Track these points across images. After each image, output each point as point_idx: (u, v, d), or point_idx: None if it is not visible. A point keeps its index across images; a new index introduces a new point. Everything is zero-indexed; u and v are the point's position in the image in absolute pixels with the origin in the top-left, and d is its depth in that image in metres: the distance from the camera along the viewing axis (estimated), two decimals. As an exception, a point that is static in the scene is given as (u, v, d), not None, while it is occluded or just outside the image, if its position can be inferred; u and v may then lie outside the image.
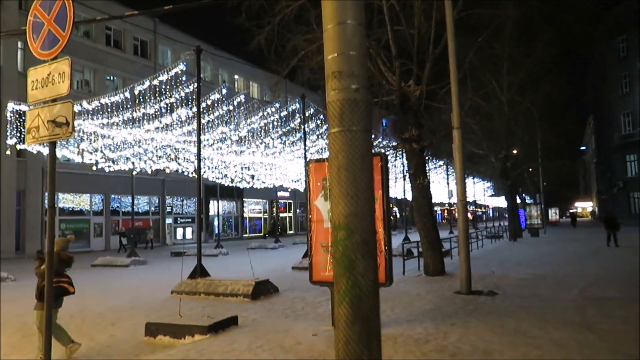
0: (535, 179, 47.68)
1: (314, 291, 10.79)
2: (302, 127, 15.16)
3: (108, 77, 32.78)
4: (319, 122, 17.81)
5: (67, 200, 30.22)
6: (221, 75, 39.95)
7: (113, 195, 32.74)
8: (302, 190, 30.39)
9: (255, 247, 28.64)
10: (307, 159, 8.03)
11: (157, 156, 17.66)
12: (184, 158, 18.58)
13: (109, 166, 16.93)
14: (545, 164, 38.44)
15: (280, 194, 35.91)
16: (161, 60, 36.68)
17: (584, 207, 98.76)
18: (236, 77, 43.13)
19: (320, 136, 19.00)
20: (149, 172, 19.93)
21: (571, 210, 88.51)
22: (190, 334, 6.69)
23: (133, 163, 17.27)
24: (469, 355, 5.23)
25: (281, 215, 49.71)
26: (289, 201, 50.49)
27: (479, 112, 23.77)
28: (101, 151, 15.83)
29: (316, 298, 9.81)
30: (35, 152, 15.59)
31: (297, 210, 52.90)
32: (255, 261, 19.74)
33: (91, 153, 15.82)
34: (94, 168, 18.02)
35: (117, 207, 33.20)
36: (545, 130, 34.02)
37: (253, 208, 47.11)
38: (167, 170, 19.38)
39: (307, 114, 16.04)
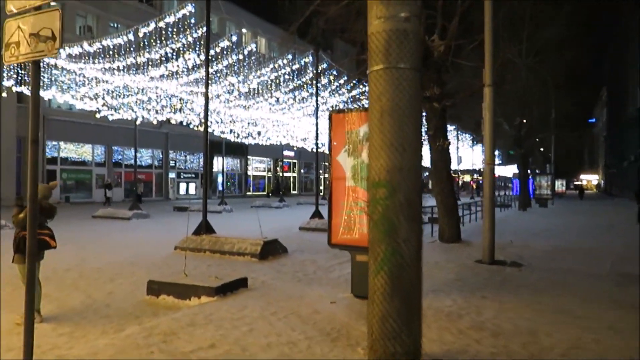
0: (542, 149, 46.75)
1: (324, 254, 10.23)
2: (315, 82, 14.22)
3: (112, 24, 31.47)
4: (331, 77, 16.84)
5: (69, 150, 29.55)
6: (229, 28, 38.48)
7: (115, 147, 32.05)
8: (309, 149, 29.69)
9: (260, 206, 28.13)
10: (331, 110, 7.17)
11: (161, 106, 16.77)
12: (190, 109, 17.68)
13: (111, 114, 16.07)
14: (561, 133, 37.48)
15: (285, 153, 35.16)
16: (167, 9, 35.23)
17: (589, 179, 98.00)
18: (244, 30, 41.62)
19: (332, 93, 18.03)
20: (153, 122, 19.10)
21: (576, 183, 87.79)
22: (197, 295, 6.10)
23: (136, 112, 16.41)
24: (513, 335, 4.61)
25: (285, 174, 49.11)
26: (294, 161, 49.80)
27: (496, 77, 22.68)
28: (102, 98, 14.95)
29: (328, 261, 9.23)
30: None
31: (302, 170, 52.29)
32: (261, 220, 19.21)
33: (92, 99, 14.95)
34: (97, 116, 17.21)
35: (120, 159, 32.58)
36: (560, 100, 32.92)
37: (257, 166, 46.48)
38: (173, 121, 18.51)
39: (319, 69, 15.11)
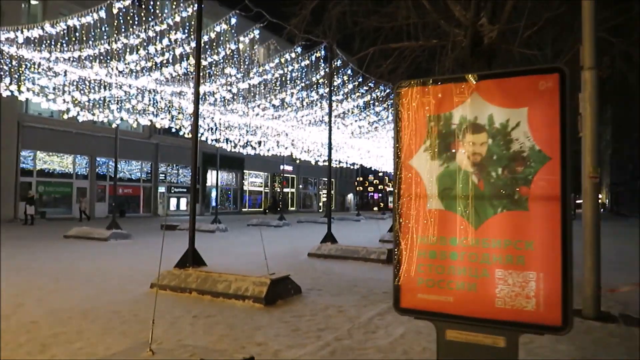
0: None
1: (349, 295, 7.72)
2: (329, 77, 11.76)
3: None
4: (345, 78, 14.45)
5: (46, 161, 26.92)
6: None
7: (100, 158, 29.46)
8: (313, 161, 27.22)
9: (257, 224, 25.54)
10: (397, 84, 4.21)
11: (143, 103, 14.23)
12: (179, 109, 15.11)
13: (78, 114, 13.41)
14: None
15: (283, 167, 32.75)
16: None
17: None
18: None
19: (347, 96, 15.55)
20: (133, 125, 16.57)
21: (578, 201, 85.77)
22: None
23: (112, 111, 13.80)
24: None
25: (283, 190, 46.66)
26: (292, 175, 47.36)
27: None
28: (69, 93, 12.41)
29: (359, 309, 6.70)
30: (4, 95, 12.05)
31: (300, 186, 49.83)
32: (258, 242, 16.54)
33: (57, 95, 12.38)
34: (65, 117, 14.67)
35: (105, 172, 29.97)
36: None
37: (253, 181, 44.01)
38: (158, 125, 15.93)
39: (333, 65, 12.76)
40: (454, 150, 3.58)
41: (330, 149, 12.73)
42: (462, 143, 3.56)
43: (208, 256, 8.57)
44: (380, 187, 71.16)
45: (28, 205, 21.95)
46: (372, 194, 69.64)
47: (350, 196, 59.77)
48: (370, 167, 36.60)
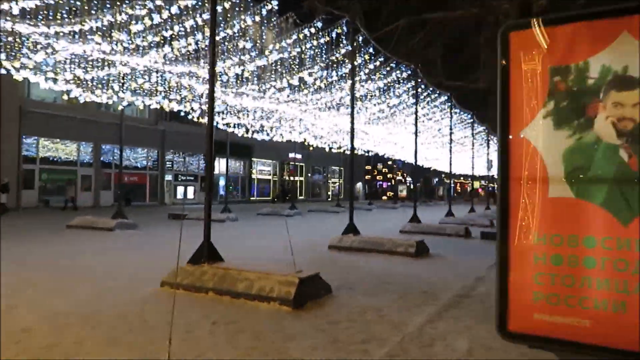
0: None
1: (385, 294, 6.82)
2: (352, 55, 10.72)
3: None
4: (366, 57, 13.35)
5: (50, 148, 26.07)
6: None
7: (105, 145, 28.59)
8: (327, 148, 26.29)
9: (267, 213, 24.68)
10: (504, 26, 3.00)
11: (150, 82, 13.22)
12: (189, 88, 14.08)
13: (81, 94, 12.43)
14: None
15: (295, 155, 31.79)
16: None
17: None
18: None
19: (370, 76, 14.42)
20: (140, 107, 15.62)
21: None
22: None
23: (116, 92, 12.79)
24: None
25: (292, 178, 45.84)
26: (301, 164, 46.40)
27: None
28: (70, 71, 11.44)
29: (401, 311, 5.79)
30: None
31: (309, 174, 48.91)
32: (272, 232, 15.75)
33: (58, 73, 11.44)
34: (65, 97, 13.71)
35: (110, 160, 29.11)
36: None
37: (262, 169, 43.12)
38: (166, 107, 14.92)
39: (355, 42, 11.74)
40: (590, 115, 2.58)
41: (352, 133, 11.75)
42: (603, 105, 2.56)
43: (220, 248, 7.65)
44: (389, 175, 70.09)
45: (1, 193, 19.66)
46: (380, 182, 68.61)
47: (359, 185, 58.79)
48: (384, 155, 35.54)
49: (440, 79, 12.56)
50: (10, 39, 10.41)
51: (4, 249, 10.56)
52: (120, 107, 14.10)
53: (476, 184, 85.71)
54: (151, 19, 9.67)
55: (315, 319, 5.57)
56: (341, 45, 12.32)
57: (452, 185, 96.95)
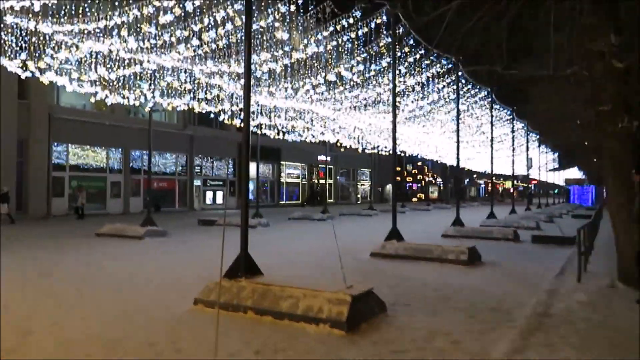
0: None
1: (447, 312, 5.96)
2: (392, 48, 9.82)
3: None
4: (407, 50, 12.36)
5: (79, 155, 25.92)
6: None
7: (134, 152, 28.36)
8: (360, 149, 25.30)
9: (298, 218, 23.91)
10: None
11: (179, 81, 12.57)
12: (219, 87, 13.33)
13: (107, 96, 11.83)
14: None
15: (326, 157, 30.92)
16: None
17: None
18: None
19: (410, 70, 13.42)
20: (168, 109, 14.98)
21: None
22: None
23: (142, 92, 12.14)
24: None
25: (320, 181, 45.06)
26: (330, 167, 45.56)
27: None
28: (95, 71, 10.88)
29: (482, 341, 4.84)
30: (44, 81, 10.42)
31: (338, 177, 48.02)
32: (305, 238, 14.91)
33: (82, 74, 10.90)
34: (92, 100, 13.19)
35: (139, 165, 28.86)
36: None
37: (290, 172, 42.47)
38: (196, 108, 14.23)
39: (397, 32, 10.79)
40: None
41: (394, 132, 10.83)
42: None
43: (255, 254, 6.85)
44: (419, 177, 68.48)
45: (1, 203, 18.35)
46: (410, 184, 67.13)
47: (389, 187, 57.56)
48: (417, 155, 34.31)
49: (495, 68, 11.44)
50: (34, 39, 9.93)
51: (31, 259, 10.07)
52: (147, 109, 13.54)
53: (507, 184, 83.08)
54: (183, 7, 8.97)
55: (374, 345, 4.71)
56: (381, 37, 11.41)
57: (483, 185, 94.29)
